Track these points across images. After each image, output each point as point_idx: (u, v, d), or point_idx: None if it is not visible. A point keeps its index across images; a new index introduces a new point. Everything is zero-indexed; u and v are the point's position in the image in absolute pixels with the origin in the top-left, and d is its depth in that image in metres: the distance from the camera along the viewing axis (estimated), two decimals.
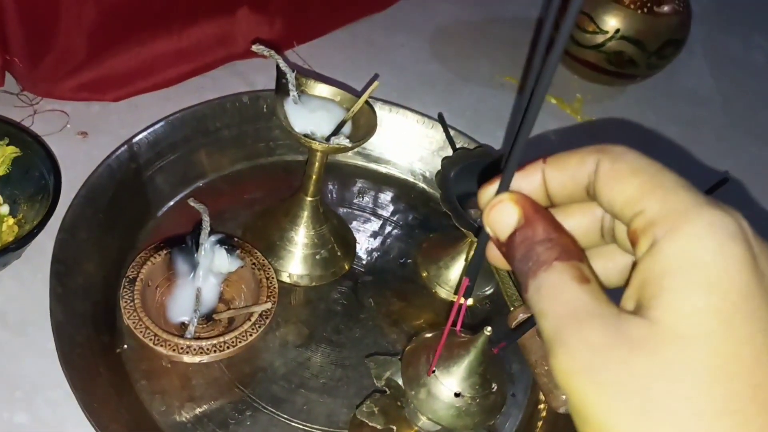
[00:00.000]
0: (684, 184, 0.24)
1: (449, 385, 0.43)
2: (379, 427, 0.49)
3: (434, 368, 0.44)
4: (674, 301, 0.22)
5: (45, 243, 0.55)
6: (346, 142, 0.55)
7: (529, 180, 0.28)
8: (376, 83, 0.55)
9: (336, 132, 0.56)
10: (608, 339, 0.22)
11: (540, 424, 0.57)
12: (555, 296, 0.24)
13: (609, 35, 0.84)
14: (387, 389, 0.50)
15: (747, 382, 0.21)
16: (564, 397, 0.54)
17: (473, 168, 0.63)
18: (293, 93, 0.56)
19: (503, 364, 0.46)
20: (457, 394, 0.43)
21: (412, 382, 0.45)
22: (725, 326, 0.21)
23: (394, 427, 0.49)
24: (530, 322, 0.57)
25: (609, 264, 0.28)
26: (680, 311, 0.21)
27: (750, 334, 0.21)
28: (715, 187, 0.60)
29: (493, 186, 0.28)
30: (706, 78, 1.04)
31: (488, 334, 0.43)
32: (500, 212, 0.27)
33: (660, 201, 0.23)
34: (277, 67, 0.56)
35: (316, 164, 0.58)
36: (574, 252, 0.25)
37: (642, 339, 0.22)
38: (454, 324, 0.41)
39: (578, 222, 0.28)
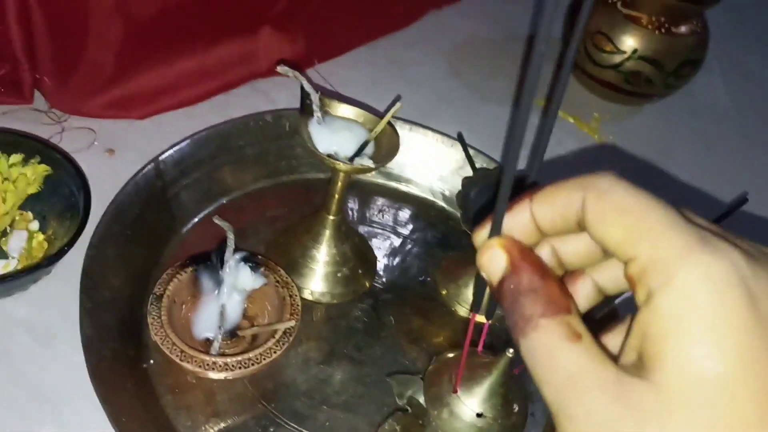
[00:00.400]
0: (674, 222, 0.23)
1: (471, 405, 0.44)
2: None
3: (457, 388, 0.44)
4: (678, 365, 0.21)
5: (73, 258, 0.56)
6: (369, 163, 0.56)
7: (517, 219, 0.27)
8: (398, 105, 0.56)
9: (359, 152, 0.57)
10: (615, 408, 0.22)
11: None
12: (550, 362, 0.24)
13: (626, 55, 0.85)
14: (409, 408, 0.50)
15: None
16: None
17: (493, 187, 0.64)
18: (317, 114, 0.57)
19: (524, 385, 0.47)
20: (479, 415, 0.44)
21: (435, 401, 0.45)
22: (731, 391, 0.21)
23: None
24: None
25: (616, 273, 0.28)
26: (685, 376, 0.21)
27: (755, 393, 0.21)
28: (735, 208, 0.60)
29: (486, 228, 0.28)
30: (723, 96, 1.04)
31: (510, 356, 0.44)
32: (490, 258, 0.27)
33: (650, 246, 0.23)
34: (302, 88, 0.57)
35: (339, 184, 0.59)
36: (560, 304, 0.25)
37: (649, 409, 0.21)
38: (474, 344, 0.42)
39: (577, 245, 0.28)
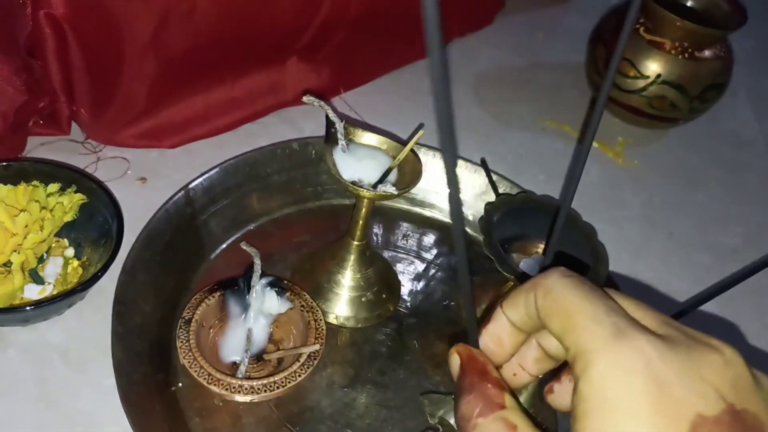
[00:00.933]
0: (597, 317, 0.26)
1: None
2: None
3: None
4: None
5: (106, 284, 0.58)
6: (392, 190, 0.57)
7: (497, 326, 0.32)
8: (421, 132, 0.58)
9: (382, 179, 0.58)
10: None
11: None
12: None
13: (650, 80, 0.85)
14: (440, 427, 0.51)
15: None
16: None
17: (515, 213, 0.65)
18: (342, 142, 0.58)
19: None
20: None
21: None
22: None
23: None
24: None
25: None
26: None
27: None
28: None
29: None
30: (749, 121, 1.04)
31: (540, 376, 0.44)
32: (451, 361, 0.32)
33: (575, 340, 0.27)
34: (327, 117, 0.59)
35: (363, 210, 0.60)
36: (495, 400, 0.29)
37: None
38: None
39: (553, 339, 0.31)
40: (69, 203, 0.59)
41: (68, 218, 0.60)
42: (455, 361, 0.32)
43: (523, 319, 0.31)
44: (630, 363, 0.25)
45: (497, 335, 0.32)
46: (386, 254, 0.70)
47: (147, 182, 0.70)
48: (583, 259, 0.62)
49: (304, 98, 0.59)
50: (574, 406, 0.26)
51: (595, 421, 0.25)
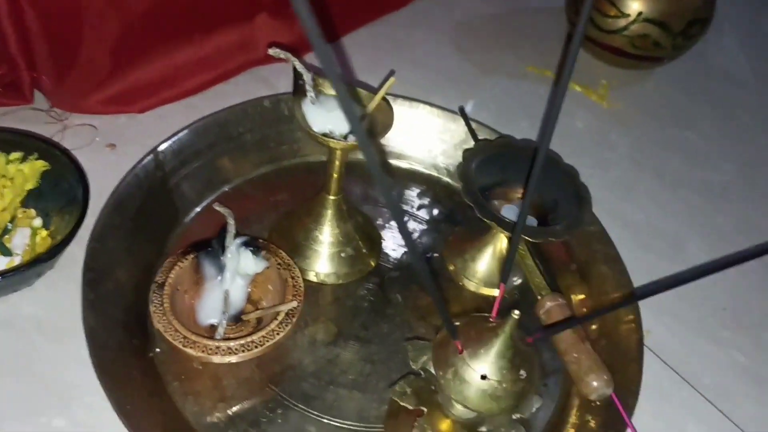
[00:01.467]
0: None
1: (476, 367, 0.43)
2: (410, 407, 0.50)
3: (462, 349, 0.44)
4: None
5: (77, 252, 0.56)
6: None
7: None
8: (392, 79, 0.56)
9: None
10: None
11: (574, 412, 0.56)
12: None
13: (632, 18, 0.83)
14: (422, 373, 0.50)
15: None
16: (595, 383, 0.54)
17: (495, 159, 0.63)
18: (310, 93, 0.56)
19: (534, 354, 0.46)
20: (483, 377, 0.43)
21: (441, 363, 0.45)
22: None
23: (425, 409, 0.49)
24: (571, 321, 0.57)
25: None
26: None
27: None
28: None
29: None
30: (737, 56, 1.01)
31: (516, 317, 0.43)
32: None
33: None
34: (294, 69, 0.57)
35: (336, 163, 0.58)
36: None
37: None
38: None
39: None
40: (30, 171, 0.57)
41: (30, 186, 0.58)
42: None
43: None
44: None
45: None
46: (366, 209, 0.68)
47: (117, 148, 0.69)
48: (565, 201, 0.61)
49: (270, 51, 0.57)
50: None
51: None
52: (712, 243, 0.74)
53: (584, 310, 0.63)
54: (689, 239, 0.74)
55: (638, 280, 0.65)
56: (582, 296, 0.64)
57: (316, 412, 0.54)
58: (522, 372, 0.44)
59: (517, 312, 0.43)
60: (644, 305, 0.61)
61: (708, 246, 0.73)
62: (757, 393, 0.62)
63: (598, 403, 0.55)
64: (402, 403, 0.50)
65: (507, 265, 0.46)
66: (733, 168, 0.83)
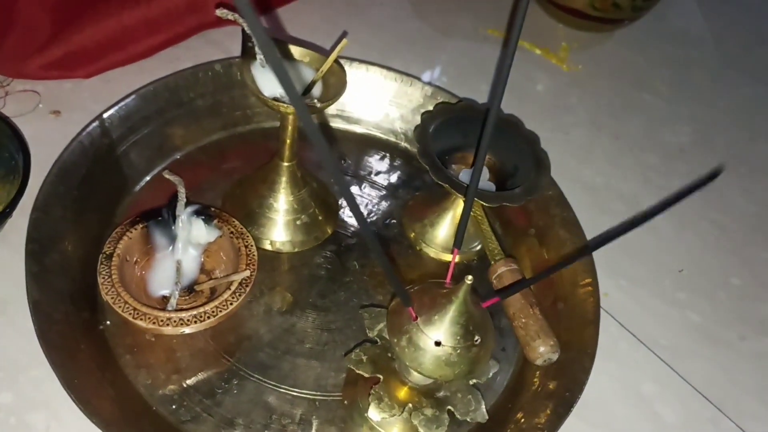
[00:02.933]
0: None
1: (430, 333, 0.43)
2: (366, 375, 0.49)
3: (416, 316, 0.43)
4: None
5: (21, 223, 0.54)
6: (315, 103, 0.53)
7: None
8: (344, 41, 0.54)
9: (305, 93, 0.55)
10: None
11: (532, 376, 0.56)
12: None
13: None
14: (378, 340, 0.49)
15: None
16: (541, 348, 0.54)
17: (455, 122, 0.62)
18: (260, 56, 0.54)
19: (489, 318, 0.45)
20: (437, 343, 0.43)
21: (395, 330, 0.44)
22: None
23: (381, 377, 0.49)
24: (522, 283, 0.56)
25: None
26: None
27: None
28: (707, 181, 0.57)
29: None
30: (697, 18, 1.01)
31: (470, 283, 0.42)
32: None
33: None
34: (243, 30, 0.55)
35: (289, 128, 0.56)
36: None
37: None
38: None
39: None
40: None
41: None
42: None
43: None
44: None
45: None
46: (322, 175, 0.67)
47: (61, 115, 0.66)
48: (525, 167, 0.60)
49: (218, 12, 0.54)
50: None
51: None
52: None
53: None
54: (647, 202, 0.74)
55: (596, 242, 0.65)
56: (540, 261, 0.64)
57: (272, 382, 0.53)
58: (477, 337, 0.44)
59: (470, 277, 0.42)
60: (601, 268, 0.61)
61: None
62: (712, 353, 0.62)
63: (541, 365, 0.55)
64: (358, 371, 0.49)
65: (460, 229, 0.46)
66: (690, 130, 0.84)
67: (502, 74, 0.43)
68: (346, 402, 0.53)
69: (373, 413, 0.48)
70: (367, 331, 0.49)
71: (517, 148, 0.61)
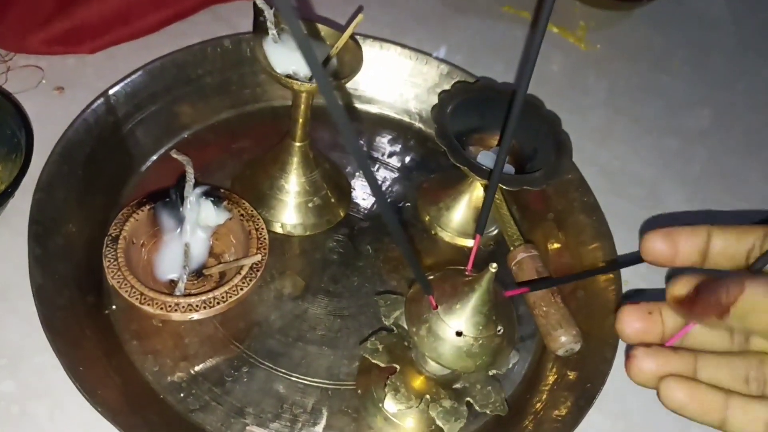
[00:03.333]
0: None
1: (451, 323, 0.41)
2: (381, 365, 0.47)
3: (436, 305, 0.41)
4: None
5: (24, 205, 0.52)
6: (330, 81, 0.51)
7: (695, 237, 0.33)
8: (360, 16, 0.52)
9: None
10: None
11: (550, 366, 0.55)
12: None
13: None
14: (394, 328, 0.48)
15: None
16: (563, 338, 0.52)
17: (473, 103, 0.60)
18: (272, 32, 0.52)
19: (512, 308, 0.44)
20: (458, 333, 0.41)
21: (414, 318, 0.42)
22: None
23: (398, 366, 0.47)
24: (551, 281, 0.54)
25: None
26: None
27: None
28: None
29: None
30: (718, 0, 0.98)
31: (494, 271, 0.40)
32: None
33: None
34: (254, 4, 0.53)
35: (302, 107, 0.54)
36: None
37: None
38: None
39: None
40: None
41: None
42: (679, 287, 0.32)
43: (723, 253, 0.32)
44: None
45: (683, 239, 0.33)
46: (335, 157, 0.64)
47: (65, 92, 0.64)
48: (545, 149, 0.58)
49: None
50: None
51: None
52: (688, 189, 0.72)
53: (560, 260, 0.61)
54: (666, 186, 0.72)
55: (615, 228, 0.64)
56: (558, 246, 0.62)
57: (283, 370, 0.51)
58: (499, 328, 0.42)
59: (494, 265, 0.40)
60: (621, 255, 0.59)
61: (684, 193, 0.71)
62: None
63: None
64: (373, 361, 0.47)
65: (483, 215, 0.44)
66: (710, 113, 0.81)
67: (530, 56, 0.41)
68: (359, 391, 0.51)
69: (390, 404, 0.47)
70: (383, 318, 0.48)
71: (537, 130, 0.59)
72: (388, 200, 0.63)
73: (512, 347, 0.44)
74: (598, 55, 0.84)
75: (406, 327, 0.44)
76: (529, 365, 0.55)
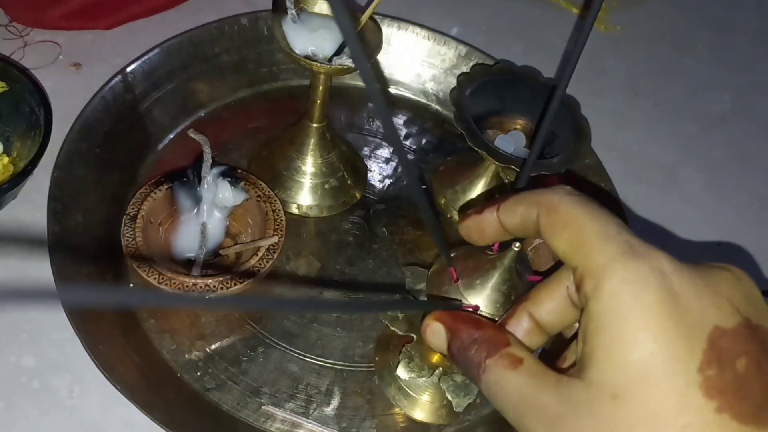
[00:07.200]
0: (606, 234, 0.26)
1: (470, 298, 0.41)
2: (400, 332, 0.48)
3: (457, 278, 0.41)
4: (602, 361, 0.24)
5: (43, 182, 0.53)
6: (349, 63, 0.51)
7: (486, 222, 0.32)
8: None
9: (339, 52, 0.52)
10: (558, 410, 0.25)
11: (564, 348, 0.55)
12: (502, 392, 0.27)
13: None
14: (416, 298, 0.48)
15: (675, 426, 0.23)
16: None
17: (492, 86, 0.59)
18: (291, 11, 0.52)
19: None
20: (476, 309, 0.41)
21: (435, 290, 0.42)
22: (651, 375, 0.23)
23: (415, 336, 0.47)
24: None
25: (554, 306, 0.31)
26: (608, 371, 0.24)
27: (674, 374, 0.23)
28: None
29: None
30: None
31: (517, 250, 0.40)
32: (431, 333, 0.32)
33: (584, 257, 0.26)
34: None
35: (320, 87, 0.54)
36: (499, 340, 0.29)
37: (582, 402, 0.24)
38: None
39: (549, 307, 0.31)
40: None
41: None
42: (438, 330, 0.32)
43: (516, 226, 0.31)
44: (644, 278, 0.24)
45: (482, 228, 0.33)
46: (351, 138, 0.64)
47: (82, 68, 0.64)
48: (563, 133, 0.58)
49: None
50: (583, 328, 0.26)
51: (607, 337, 0.24)
52: (707, 175, 0.71)
53: None
54: (685, 171, 0.71)
55: (632, 213, 0.63)
56: None
57: (298, 351, 0.52)
58: None
59: (518, 244, 0.40)
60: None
61: (704, 178, 0.71)
62: None
63: None
64: (392, 328, 0.48)
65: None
66: (730, 97, 0.80)
67: (574, 52, 0.40)
68: (377, 358, 0.52)
69: (402, 371, 0.47)
70: (408, 290, 0.48)
71: (555, 114, 0.58)
72: (404, 182, 0.63)
73: None
74: (618, 37, 0.83)
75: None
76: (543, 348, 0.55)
